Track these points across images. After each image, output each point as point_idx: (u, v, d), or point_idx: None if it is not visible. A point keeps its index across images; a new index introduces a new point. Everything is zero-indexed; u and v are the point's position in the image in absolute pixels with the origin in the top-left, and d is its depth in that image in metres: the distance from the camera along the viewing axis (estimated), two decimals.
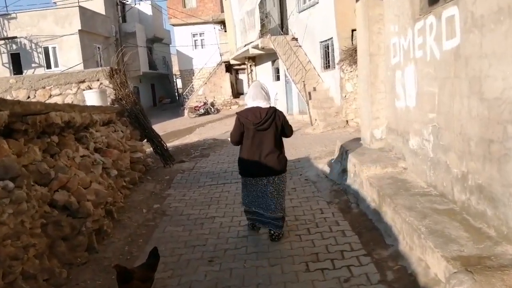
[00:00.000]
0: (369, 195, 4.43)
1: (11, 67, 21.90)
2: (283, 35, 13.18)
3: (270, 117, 3.75)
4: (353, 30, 11.15)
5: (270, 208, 3.83)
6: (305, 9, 12.67)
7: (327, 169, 6.11)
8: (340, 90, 11.24)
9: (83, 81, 7.26)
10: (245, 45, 15.93)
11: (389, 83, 5.09)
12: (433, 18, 3.56)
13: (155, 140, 7.22)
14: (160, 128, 24.95)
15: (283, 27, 13.76)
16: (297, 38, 13.46)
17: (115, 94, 7.04)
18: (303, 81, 11.52)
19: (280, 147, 3.93)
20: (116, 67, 7.38)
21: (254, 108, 3.81)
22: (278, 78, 15.74)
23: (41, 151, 3.53)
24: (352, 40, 11.17)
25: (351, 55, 10.64)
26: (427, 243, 2.79)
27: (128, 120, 6.90)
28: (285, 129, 3.95)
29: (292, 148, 8.86)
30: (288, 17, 13.89)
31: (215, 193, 5.70)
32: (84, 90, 7.03)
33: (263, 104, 3.82)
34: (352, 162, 5.15)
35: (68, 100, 7.16)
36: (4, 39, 21.42)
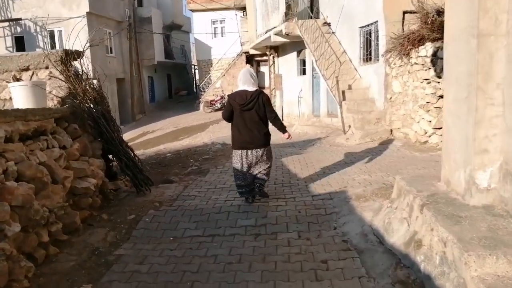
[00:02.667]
0: None
1: (14, 51, 20.26)
2: (313, 19, 10.71)
3: (254, 99, 4.42)
4: (404, 12, 8.61)
5: (258, 174, 4.65)
6: None
7: (379, 223, 3.72)
8: (385, 90, 8.74)
9: (27, 69, 5.12)
10: (267, 32, 13.51)
11: None
12: None
13: (124, 156, 5.00)
14: (172, 123, 22.98)
15: (313, 9, 11.29)
16: (329, 23, 10.97)
17: (68, 88, 4.85)
18: (336, 77, 9.07)
19: (265, 124, 4.58)
20: (73, 50, 5.17)
21: (242, 91, 4.49)
22: (303, 72, 13.31)
23: None
24: (403, 25, 8.62)
25: (402, 44, 8.12)
26: None
27: (82, 127, 4.70)
28: (266, 109, 4.50)
29: (318, 165, 6.49)
30: None
31: (193, 260, 3.42)
32: (25, 80, 4.88)
33: (250, 88, 4.47)
34: (437, 233, 2.76)
35: (5, 95, 5.03)
36: (7, 20, 19.77)
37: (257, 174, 4.64)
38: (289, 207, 4.48)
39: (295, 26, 11.00)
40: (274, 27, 12.40)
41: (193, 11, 26.33)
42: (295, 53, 13.69)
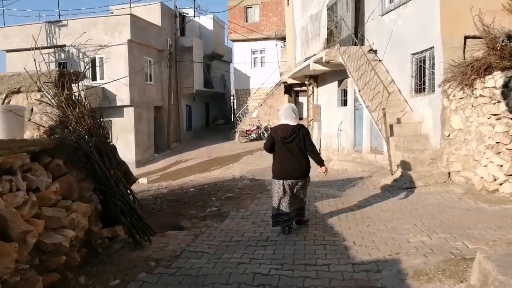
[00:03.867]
0: None
1: None
2: (358, 45, 9.68)
3: (294, 133, 4.68)
4: (466, 38, 7.40)
5: (297, 203, 4.85)
6: (391, 10, 9.12)
7: None
8: (441, 125, 7.43)
9: (18, 91, 4.44)
10: (306, 60, 12.60)
11: None
12: None
13: (120, 200, 4.09)
14: (206, 152, 22.33)
15: (357, 35, 10.28)
16: (375, 50, 9.89)
17: (59, 114, 4.07)
18: (383, 109, 7.88)
19: (304, 156, 4.74)
20: (70, 71, 4.44)
21: (283, 125, 4.77)
22: (344, 103, 12.18)
23: None
24: (464, 52, 7.39)
25: (463, 73, 6.87)
26: None
27: (70, 163, 3.86)
28: (306, 143, 4.73)
29: (360, 215, 5.25)
30: (365, 22, 10.39)
31: None
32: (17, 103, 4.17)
33: (292, 123, 4.73)
34: None
35: None
36: (53, 47, 20.35)
37: (293, 211, 4.83)
38: (321, 281, 3.32)
39: (337, 53, 10.00)
40: (314, 55, 11.47)
41: (234, 41, 26.19)
42: (335, 83, 12.64)
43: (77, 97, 4.26)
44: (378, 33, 9.91)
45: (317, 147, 15.18)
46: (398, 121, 8.25)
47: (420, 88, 8.35)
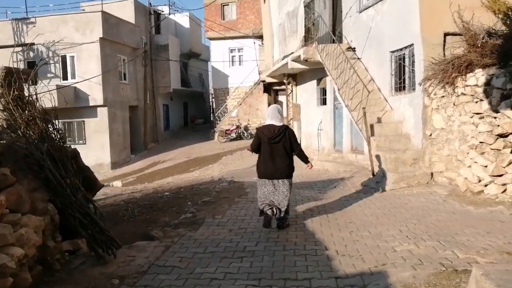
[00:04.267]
0: None
1: None
2: (336, 43, 9.45)
3: (281, 133, 4.83)
4: (446, 34, 7.26)
5: (281, 204, 4.85)
6: (369, 6, 8.92)
7: None
8: (423, 124, 7.27)
9: None
10: (284, 58, 12.31)
11: None
12: None
13: (78, 211, 3.67)
14: (185, 152, 21.80)
15: (335, 32, 10.06)
16: (354, 48, 9.70)
17: (6, 117, 3.62)
18: (363, 108, 7.67)
19: (289, 157, 4.91)
20: (19, 69, 3.98)
21: (269, 125, 4.90)
22: (324, 102, 11.97)
23: None
24: (444, 49, 7.25)
25: (444, 71, 6.73)
26: None
27: (20, 172, 3.42)
28: (293, 145, 4.93)
29: (342, 219, 4.97)
30: (343, 19, 10.17)
31: None
32: None
33: (277, 123, 4.88)
34: None
35: None
36: (21, 45, 19.39)
37: (278, 208, 4.87)
38: None
39: (315, 51, 9.75)
40: (292, 53, 11.20)
41: (211, 39, 25.71)
42: (314, 82, 12.42)
43: (27, 98, 3.80)
44: (356, 30, 9.72)
45: None
46: (379, 120, 8.06)
47: (400, 86, 8.19)
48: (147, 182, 14.23)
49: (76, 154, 5.04)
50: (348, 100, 8.34)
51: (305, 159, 5.12)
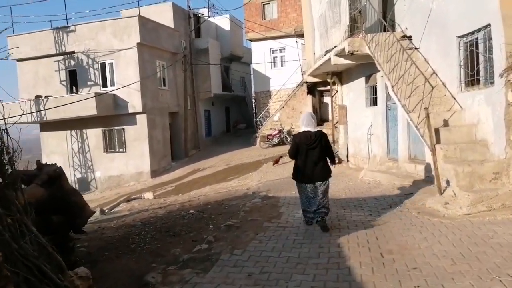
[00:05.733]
0: None
1: (68, 85, 19.86)
2: (389, 32, 7.92)
3: (317, 139, 5.18)
4: None
5: (321, 203, 5.17)
6: None
7: None
8: (506, 128, 5.58)
9: None
10: (326, 53, 10.86)
11: None
12: None
13: (22, 262, 2.60)
14: (225, 160, 20.82)
15: (385, 19, 8.49)
16: (410, 36, 8.10)
17: None
18: (426, 108, 6.09)
19: (325, 160, 5.29)
20: None
21: (305, 132, 5.24)
22: (374, 102, 10.39)
23: None
24: None
25: None
26: None
27: None
28: (327, 150, 5.31)
29: (402, 260, 3.51)
30: (394, 3, 8.58)
31: None
32: None
33: (312, 129, 5.22)
34: None
35: None
36: (62, 54, 19.49)
37: (319, 206, 5.18)
38: None
39: (362, 42, 8.27)
40: (335, 46, 9.74)
41: (251, 40, 24.69)
42: (362, 79, 10.86)
43: None
44: (412, 15, 8.11)
45: (344, 154, 13.45)
46: (445, 123, 6.44)
47: (472, 80, 6.50)
48: (181, 194, 13.37)
49: (58, 175, 4.07)
50: (405, 99, 6.80)
51: (333, 160, 5.55)
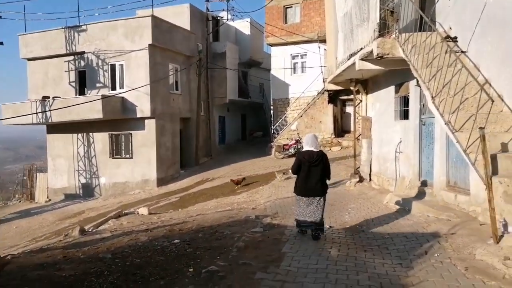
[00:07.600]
0: None
1: (77, 87, 19.02)
2: (430, 32, 6.42)
3: (319, 158, 5.73)
4: None
5: (316, 218, 5.71)
6: None
7: None
8: None
9: None
10: (350, 57, 9.39)
11: None
12: None
13: None
14: (237, 169, 19.37)
15: (423, 18, 6.99)
16: (455, 38, 6.58)
17: None
18: (482, 128, 4.58)
19: (324, 178, 5.84)
20: None
21: (309, 151, 5.79)
22: (405, 116, 8.86)
23: None
24: None
25: None
26: None
27: None
28: (326, 169, 5.84)
29: None
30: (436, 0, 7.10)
31: None
32: None
33: (315, 149, 5.78)
34: None
35: None
36: (72, 54, 18.69)
37: (313, 220, 5.74)
38: None
39: (395, 43, 6.80)
40: (361, 49, 8.28)
41: (271, 45, 23.40)
42: (392, 88, 9.34)
43: None
44: (459, 11, 6.61)
45: (366, 172, 11.93)
46: (504, 147, 4.91)
47: None
48: (181, 209, 12.09)
49: None
50: (450, 115, 5.29)
51: (329, 177, 5.97)
